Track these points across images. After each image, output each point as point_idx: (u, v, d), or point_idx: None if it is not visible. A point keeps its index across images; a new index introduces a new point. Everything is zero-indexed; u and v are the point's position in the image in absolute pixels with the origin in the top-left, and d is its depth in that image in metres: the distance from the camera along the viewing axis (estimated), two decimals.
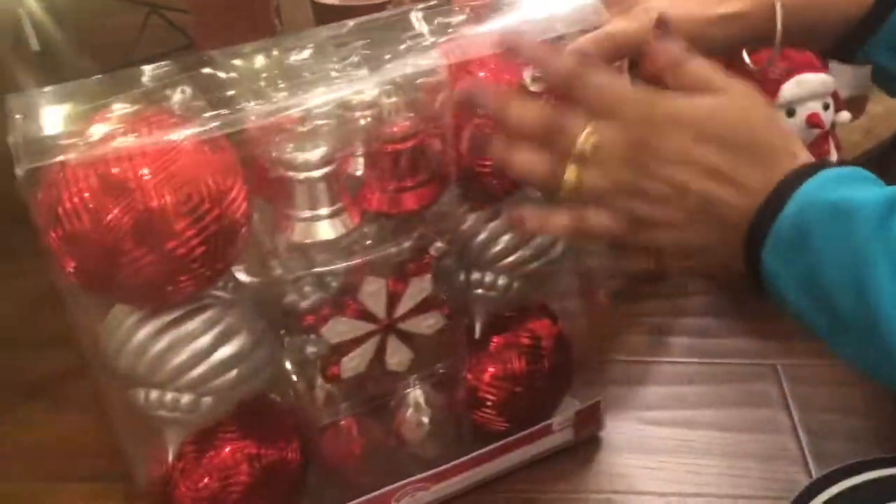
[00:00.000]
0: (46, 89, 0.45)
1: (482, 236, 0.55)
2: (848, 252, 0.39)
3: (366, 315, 0.51)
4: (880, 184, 0.42)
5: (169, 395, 0.48)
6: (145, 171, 0.42)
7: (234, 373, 0.48)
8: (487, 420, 0.60)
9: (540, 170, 0.46)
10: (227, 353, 0.48)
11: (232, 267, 0.49)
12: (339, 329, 0.51)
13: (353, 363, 0.53)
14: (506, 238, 0.55)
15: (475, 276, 0.56)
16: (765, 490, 0.63)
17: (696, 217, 0.43)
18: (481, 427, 0.61)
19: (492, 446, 0.60)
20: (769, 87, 0.79)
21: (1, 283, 0.87)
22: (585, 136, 0.44)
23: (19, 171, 0.42)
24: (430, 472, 0.58)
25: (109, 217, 0.42)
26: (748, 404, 0.70)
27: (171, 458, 0.51)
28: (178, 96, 0.44)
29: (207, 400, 0.49)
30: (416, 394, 0.58)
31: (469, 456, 0.59)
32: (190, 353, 0.47)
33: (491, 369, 0.60)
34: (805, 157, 0.43)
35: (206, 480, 0.52)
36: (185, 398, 0.48)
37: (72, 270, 0.45)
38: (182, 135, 0.42)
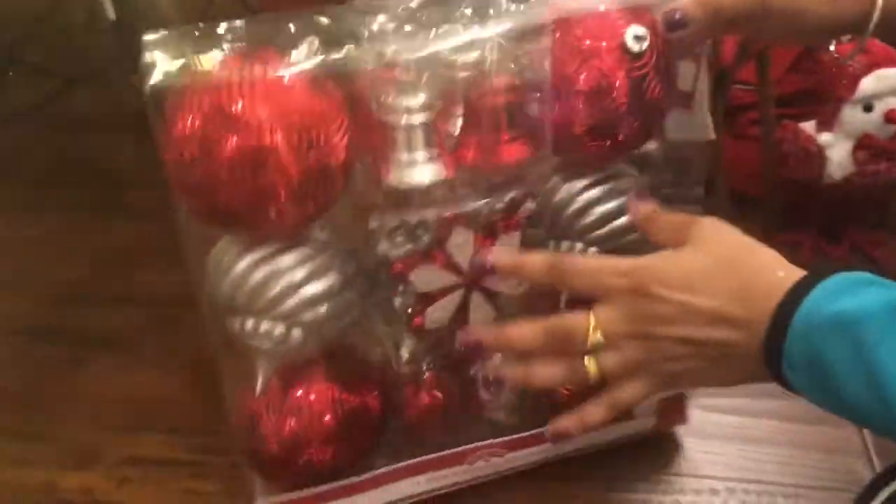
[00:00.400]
0: (182, 29, 0.48)
1: (574, 206, 0.55)
2: (860, 364, 0.40)
3: (452, 266, 0.53)
4: (878, 283, 0.42)
5: (263, 325, 0.50)
6: (258, 105, 0.45)
7: (323, 308, 0.51)
8: (567, 398, 0.60)
9: (561, 376, 0.49)
10: (318, 289, 0.50)
11: (330, 209, 0.51)
12: (425, 277, 0.52)
13: (436, 314, 0.54)
14: (599, 209, 0.55)
15: (565, 244, 0.56)
16: (826, 481, 0.63)
17: (715, 361, 0.46)
18: (562, 405, 0.60)
19: None
20: (847, 81, 0.78)
21: (75, 242, 0.90)
22: (592, 329, 0.47)
23: (147, 90, 0.46)
24: (506, 438, 0.59)
25: (220, 146, 0.45)
26: None
27: (259, 389, 0.53)
28: (303, 47, 0.46)
29: (297, 333, 0.51)
30: (498, 359, 0.57)
31: (543, 428, 0.57)
32: (283, 285, 0.50)
33: None
34: (795, 273, 0.44)
35: (291, 422, 0.54)
36: (278, 329, 0.50)
37: (183, 195, 0.49)
38: (294, 73, 0.45)
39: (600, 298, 0.48)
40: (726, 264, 0.45)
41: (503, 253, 0.52)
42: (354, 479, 0.57)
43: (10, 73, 1.14)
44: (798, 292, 0.42)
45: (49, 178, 1.02)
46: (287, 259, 0.50)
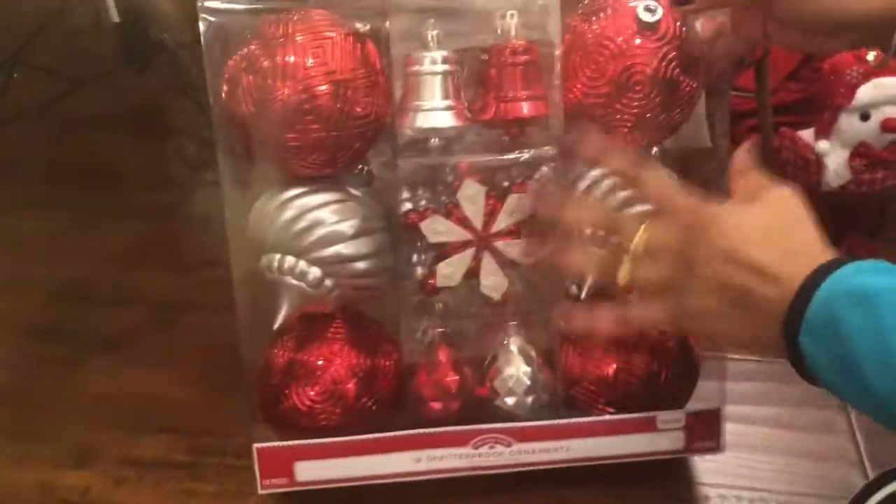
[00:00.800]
0: None
1: (583, 182, 0.56)
2: (874, 336, 0.41)
3: (464, 222, 0.55)
4: None
5: (301, 265, 0.55)
6: (308, 60, 0.52)
7: (359, 265, 0.56)
8: (584, 393, 0.60)
9: (593, 266, 0.52)
10: (359, 246, 0.56)
11: (366, 156, 0.57)
12: (436, 227, 0.55)
13: (448, 270, 0.56)
14: (607, 182, 0.56)
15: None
16: (820, 489, 0.63)
17: (738, 311, 0.47)
18: (580, 400, 0.60)
19: (582, 419, 0.59)
20: (845, 89, 0.78)
21: (77, 241, 0.91)
22: (640, 235, 0.49)
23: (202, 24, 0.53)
24: (511, 426, 0.58)
25: (264, 89, 0.52)
26: (806, 404, 0.70)
27: (278, 322, 0.56)
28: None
29: (329, 282, 0.56)
30: (514, 346, 0.58)
31: (556, 421, 0.59)
32: (326, 233, 0.55)
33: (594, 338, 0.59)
34: (832, 254, 0.46)
35: (311, 384, 0.58)
36: (313, 272, 0.55)
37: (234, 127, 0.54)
38: (336, 33, 0.53)
39: (661, 215, 0.50)
40: (785, 225, 0.47)
41: (595, 139, 0.53)
42: (353, 439, 0.58)
43: (16, 75, 1.15)
44: (832, 266, 0.44)
45: (53, 178, 1.03)
46: (332, 213, 0.56)
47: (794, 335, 0.44)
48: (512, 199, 0.55)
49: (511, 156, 0.55)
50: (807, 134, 0.84)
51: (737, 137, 0.93)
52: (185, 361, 0.75)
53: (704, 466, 0.65)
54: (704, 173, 0.59)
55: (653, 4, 0.53)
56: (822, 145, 0.81)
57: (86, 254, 0.88)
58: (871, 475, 0.63)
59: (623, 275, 0.50)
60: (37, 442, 0.68)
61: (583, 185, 0.57)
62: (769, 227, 0.47)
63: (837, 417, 0.69)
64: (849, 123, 0.79)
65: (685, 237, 0.48)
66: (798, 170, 0.83)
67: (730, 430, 0.68)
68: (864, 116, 0.79)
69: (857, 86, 0.77)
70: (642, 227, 0.50)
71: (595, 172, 0.57)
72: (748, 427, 0.68)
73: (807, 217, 0.48)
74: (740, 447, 0.66)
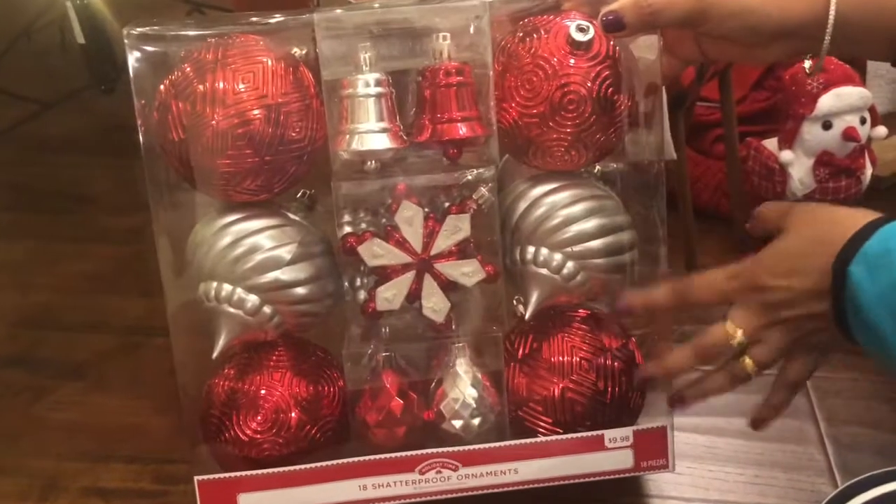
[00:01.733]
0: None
1: (539, 210, 0.57)
2: None
3: (403, 245, 0.55)
4: None
5: (238, 292, 0.55)
6: (239, 85, 0.52)
7: (298, 290, 0.56)
8: (531, 414, 0.59)
9: (727, 381, 0.55)
10: (297, 271, 0.55)
11: (302, 180, 0.57)
12: (374, 251, 0.55)
13: (388, 293, 0.56)
14: (563, 213, 0.56)
15: (530, 250, 0.57)
16: (790, 500, 0.63)
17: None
18: (526, 423, 0.59)
19: (529, 441, 0.59)
20: (806, 99, 0.79)
21: (43, 269, 0.90)
22: (733, 332, 0.52)
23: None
24: (458, 449, 0.58)
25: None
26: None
27: (217, 352, 0.56)
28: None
29: (268, 309, 0.56)
30: (460, 368, 0.58)
31: (504, 443, 0.58)
32: (263, 259, 0.55)
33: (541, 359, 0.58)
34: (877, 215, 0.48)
35: (252, 414, 0.57)
36: (251, 299, 0.55)
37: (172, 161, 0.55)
38: (268, 58, 0.53)
39: (729, 304, 0.53)
40: (817, 242, 0.49)
41: (635, 296, 0.56)
42: (296, 469, 0.57)
43: None
44: (886, 217, 0.46)
45: (18, 203, 1.02)
46: (270, 238, 0.55)
47: (845, 264, 0.46)
48: (451, 221, 0.55)
49: (448, 176, 0.55)
50: (771, 143, 0.84)
51: (704, 147, 0.94)
52: (152, 387, 0.74)
53: (676, 479, 0.64)
54: (665, 185, 0.60)
55: (584, 24, 0.53)
56: (786, 155, 0.81)
57: (52, 280, 0.88)
58: (841, 484, 0.63)
59: (750, 368, 0.52)
60: (0, 474, 0.66)
61: (522, 205, 0.57)
62: (805, 251, 0.49)
63: (807, 427, 0.69)
64: (811, 132, 0.80)
65: (756, 303, 0.51)
66: (763, 179, 0.84)
67: (701, 441, 0.68)
68: (826, 125, 0.79)
69: (818, 95, 0.78)
70: (728, 325, 0.52)
71: (535, 191, 0.57)
72: (718, 439, 0.68)
73: (831, 216, 0.49)
74: (712, 459, 0.66)
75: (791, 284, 0.49)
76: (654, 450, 0.60)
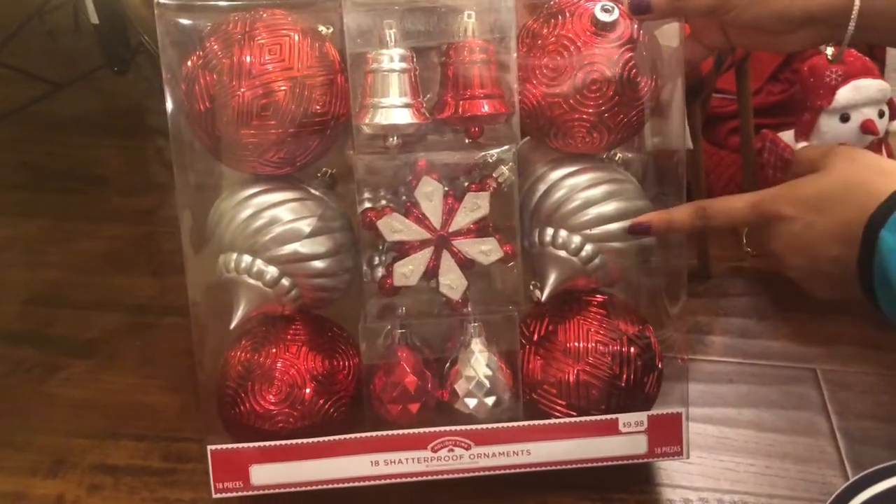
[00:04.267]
0: None
1: (559, 192, 0.56)
2: None
3: (422, 221, 0.55)
4: None
5: (258, 264, 0.55)
6: (266, 58, 0.52)
7: (317, 264, 0.56)
8: (545, 397, 0.59)
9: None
10: (316, 245, 0.56)
11: (326, 155, 0.57)
12: (393, 225, 0.55)
13: (405, 268, 0.55)
14: (583, 195, 0.56)
15: (548, 231, 0.57)
16: (801, 491, 0.63)
17: (825, 273, 0.49)
18: (541, 406, 0.59)
19: (543, 422, 0.58)
20: (824, 91, 0.78)
21: (54, 248, 0.90)
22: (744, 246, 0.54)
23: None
24: (471, 428, 0.58)
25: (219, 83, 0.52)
26: (787, 406, 0.70)
27: (235, 322, 0.56)
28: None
29: (286, 281, 0.56)
30: (475, 347, 0.58)
31: (517, 424, 0.58)
32: (282, 231, 0.55)
33: (560, 342, 0.58)
34: None
35: (271, 394, 0.57)
36: (270, 271, 0.55)
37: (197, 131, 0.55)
38: (294, 32, 0.53)
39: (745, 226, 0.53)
40: (852, 188, 0.47)
41: (654, 215, 0.55)
42: (309, 442, 0.57)
43: None
44: None
45: (30, 183, 1.02)
46: (290, 211, 0.55)
47: (875, 230, 0.45)
48: (470, 198, 0.55)
49: (469, 154, 0.55)
50: (787, 135, 0.84)
51: (718, 139, 0.93)
52: (162, 366, 0.74)
53: (687, 469, 0.64)
54: (685, 174, 0.59)
55: (609, 5, 0.53)
56: (803, 146, 0.81)
57: (63, 258, 0.88)
58: (852, 477, 0.63)
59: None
60: (9, 449, 0.67)
61: (542, 187, 0.57)
62: (838, 194, 0.47)
63: (818, 419, 0.68)
64: (829, 125, 0.79)
65: (767, 231, 0.50)
66: (778, 171, 0.83)
67: (712, 432, 0.68)
68: (844, 118, 0.79)
69: (836, 87, 0.77)
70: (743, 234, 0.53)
71: (555, 174, 0.57)
72: (730, 430, 0.68)
73: (875, 165, 0.48)
74: (722, 449, 0.66)
75: (813, 221, 0.48)
76: (668, 436, 0.59)
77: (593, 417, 0.58)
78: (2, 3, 1.18)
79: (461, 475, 0.59)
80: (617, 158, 0.59)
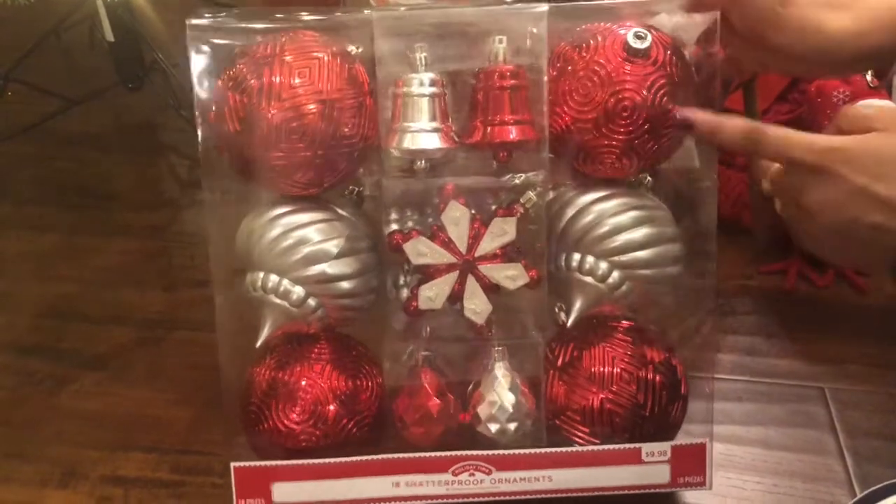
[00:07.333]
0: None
1: (587, 217, 0.56)
2: None
3: (448, 245, 0.55)
4: None
5: (284, 283, 0.55)
6: (295, 79, 0.52)
7: (343, 284, 0.56)
8: (568, 423, 0.59)
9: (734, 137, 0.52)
10: (343, 265, 0.56)
11: (354, 177, 0.58)
12: (420, 249, 0.55)
13: (430, 292, 0.56)
14: (611, 221, 0.56)
15: (575, 257, 0.57)
16: None
17: (866, 243, 0.48)
18: (563, 432, 0.59)
19: (565, 449, 0.58)
20: (831, 111, 0.79)
21: (66, 263, 0.90)
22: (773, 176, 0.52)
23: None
24: (493, 453, 0.58)
25: (249, 108, 0.52)
26: (795, 424, 0.70)
27: (260, 341, 0.56)
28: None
29: (312, 301, 0.56)
30: (498, 372, 0.58)
31: (539, 450, 0.58)
32: (312, 252, 0.55)
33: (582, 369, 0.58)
34: None
35: (295, 412, 0.58)
36: (297, 291, 0.56)
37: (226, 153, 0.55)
38: (324, 53, 0.53)
39: (786, 168, 0.50)
40: None
41: (703, 114, 0.53)
42: (332, 462, 0.57)
43: (10, 93, 1.15)
44: None
45: (43, 197, 1.03)
46: (318, 232, 0.56)
47: None
48: (497, 223, 0.55)
49: (496, 179, 0.55)
50: None
51: (725, 158, 0.94)
52: (172, 380, 0.74)
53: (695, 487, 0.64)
54: (694, 192, 0.60)
55: (642, 31, 0.53)
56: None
57: (75, 273, 0.88)
58: (859, 493, 0.63)
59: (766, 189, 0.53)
60: (20, 461, 0.67)
61: (570, 211, 0.57)
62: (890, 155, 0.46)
63: (826, 438, 0.68)
64: None
65: (810, 186, 0.48)
66: None
67: (719, 450, 0.68)
68: None
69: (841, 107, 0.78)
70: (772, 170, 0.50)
71: (583, 199, 0.57)
72: (737, 447, 0.68)
73: None
74: (729, 467, 0.66)
75: (865, 185, 0.45)
76: (692, 466, 0.59)
77: (616, 446, 0.58)
78: (19, 22, 1.19)
79: (482, 500, 0.59)
80: (647, 182, 0.59)
